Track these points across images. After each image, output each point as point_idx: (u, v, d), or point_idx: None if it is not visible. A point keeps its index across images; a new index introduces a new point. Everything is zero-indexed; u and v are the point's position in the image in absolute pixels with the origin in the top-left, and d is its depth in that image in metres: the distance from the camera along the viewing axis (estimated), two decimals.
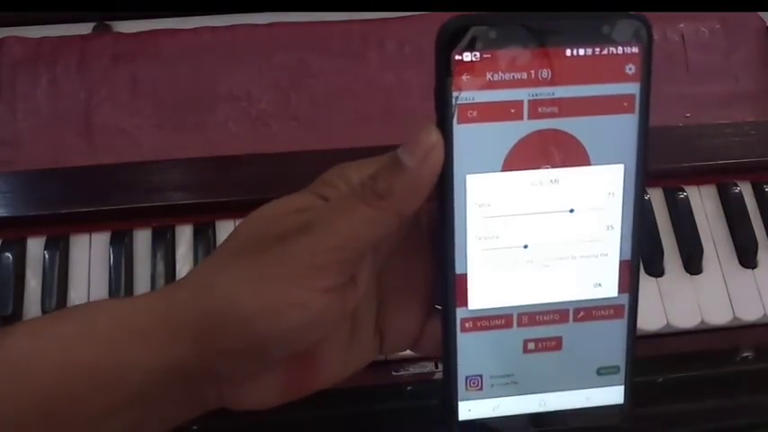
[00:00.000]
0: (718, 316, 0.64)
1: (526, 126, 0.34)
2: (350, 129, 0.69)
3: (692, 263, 0.66)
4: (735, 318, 0.64)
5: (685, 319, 0.64)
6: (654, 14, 0.76)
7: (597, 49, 0.34)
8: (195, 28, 0.72)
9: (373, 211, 0.35)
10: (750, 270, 0.66)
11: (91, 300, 0.62)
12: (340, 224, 0.35)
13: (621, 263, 0.37)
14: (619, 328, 0.38)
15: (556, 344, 0.38)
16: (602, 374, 0.39)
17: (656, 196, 0.68)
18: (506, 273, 0.37)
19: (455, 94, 0.33)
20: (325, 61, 0.72)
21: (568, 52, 0.34)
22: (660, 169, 0.68)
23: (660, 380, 0.67)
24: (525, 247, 0.36)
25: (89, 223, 0.64)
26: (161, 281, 0.62)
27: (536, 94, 0.34)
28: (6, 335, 0.37)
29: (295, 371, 0.39)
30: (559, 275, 0.37)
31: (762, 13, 0.76)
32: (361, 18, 0.74)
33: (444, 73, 0.33)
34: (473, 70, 0.33)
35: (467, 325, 0.37)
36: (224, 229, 0.65)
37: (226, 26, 0.73)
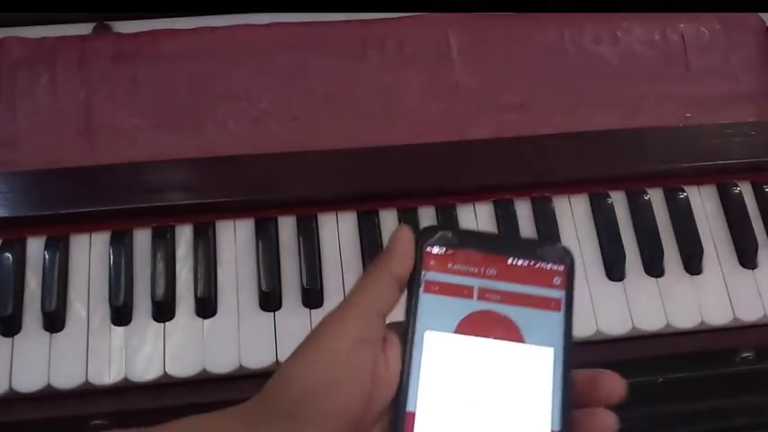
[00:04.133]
0: (718, 316, 0.64)
1: (475, 305, 0.43)
2: (350, 129, 0.69)
3: (692, 263, 0.66)
4: (735, 318, 0.64)
5: (685, 319, 0.64)
6: (654, 14, 0.77)
7: (531, 263, 0.44)
8: (195, 28, 0.72)
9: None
10: (750, 270, 0.66)
11: (90, 299, 0.62)
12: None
13: None
14: None
15: None
16: None
17: (656, 196, 0.68)
18: (450, 423, 0.42)
19: (423, 272, 0.43)
20: (325, 61, 0.72)
21: (509, 261, 0.44)
22: (660, 169, 0.68)
23: (660, 380, 0.67)
24: (468, 403, 0.42)
25: (89, 223, 0.64)
26: (161, 281, 0.62)
27: (484, 284, 0.43)
28: None
29: None
30: None
31: (762, 14, 0.76)
32: (360, 18, 0.74)
33: (418, 257, 0.43)
34: (438, 259, 0.43)
35: None
36: (224, 229, 0.65)
37: (226, 26, 0.73)
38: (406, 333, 0.42)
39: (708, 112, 0.72)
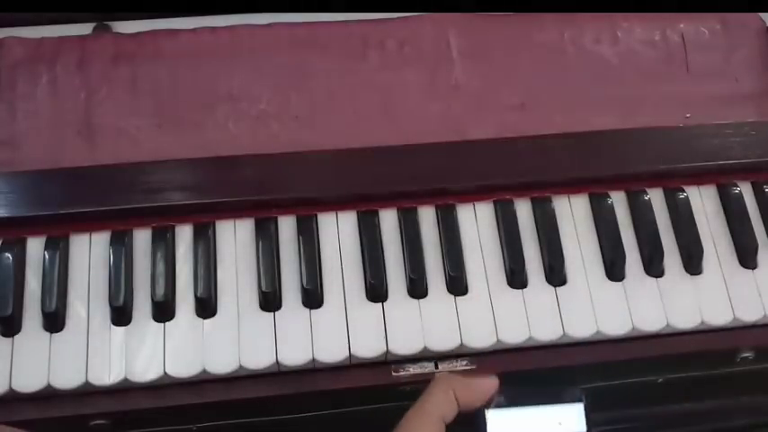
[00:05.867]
0: (719, 316, 0.64)
1: None
2: (350, 129, 0.69)
3: (692, 263, 0.66)
4: (735, 318, 0.64)
5: (685, 319, 0.64)
6: (654, 14, 0.77)
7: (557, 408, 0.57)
8: (195, 28, 0.73)
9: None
10: (750, 270, 0.66)
11: (90, 299, 0.62)
12: None
13: None
14: None
15: None
16: None
17: (656, 196, 0.68)
18: None
19: None
20: (325, 61, 0.72)
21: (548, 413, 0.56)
22: (660, 169, 0.68)
23: (660, 380, 0.67)
24: None
25: (89, 223, 0.64)
26: (161, 281, 0.62)
27: None
28: None
29: None
30: None
31: (762, 14, 0.76)
32: (360, 18, 0.74)
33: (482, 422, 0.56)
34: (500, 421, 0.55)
35: None
36: (224, 229, 0.65)
37: (226, 26, 0.73)
38: None
39: (708, 112, 0.72)
